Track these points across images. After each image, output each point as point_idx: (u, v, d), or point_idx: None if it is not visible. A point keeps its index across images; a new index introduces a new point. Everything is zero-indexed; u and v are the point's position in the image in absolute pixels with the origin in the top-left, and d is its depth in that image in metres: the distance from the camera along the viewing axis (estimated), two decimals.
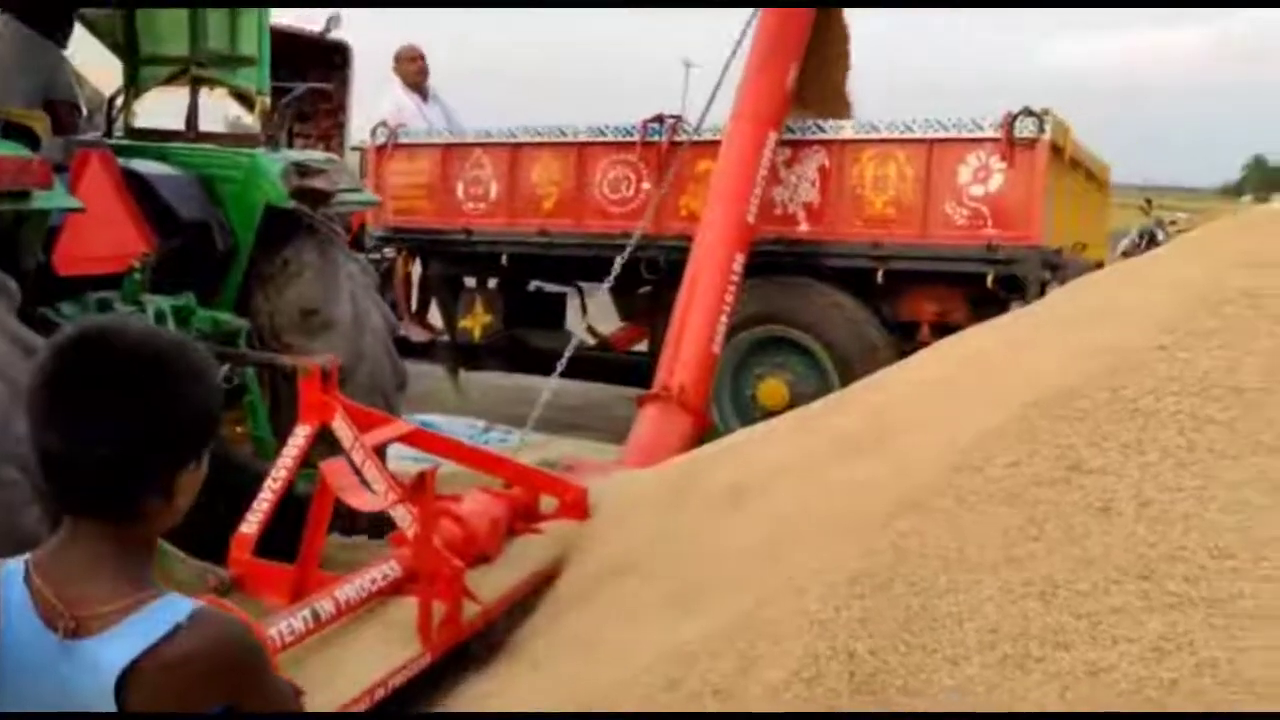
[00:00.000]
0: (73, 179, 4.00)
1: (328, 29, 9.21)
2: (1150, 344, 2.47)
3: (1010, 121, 5.40)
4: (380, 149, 7.15)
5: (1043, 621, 2.01)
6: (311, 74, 9.94)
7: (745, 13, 5.90)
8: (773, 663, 2.05)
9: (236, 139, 4.95)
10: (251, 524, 3.42)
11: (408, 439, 3.90)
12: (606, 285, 5.85)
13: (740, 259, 5.54)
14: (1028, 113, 5.39)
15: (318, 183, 4.54)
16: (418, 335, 7.81)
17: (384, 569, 3.27)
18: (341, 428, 3.56)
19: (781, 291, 5.95)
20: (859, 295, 5.82)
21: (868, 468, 2.65)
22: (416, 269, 7.61)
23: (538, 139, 6.59)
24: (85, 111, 5.11)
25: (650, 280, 6.32)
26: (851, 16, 6.45)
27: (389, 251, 7.53)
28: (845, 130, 5.85)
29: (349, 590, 3.13)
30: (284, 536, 3.38)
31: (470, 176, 6.81)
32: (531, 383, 8.33)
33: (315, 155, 4.88)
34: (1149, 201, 15.09)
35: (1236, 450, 2.25)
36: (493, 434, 8.04)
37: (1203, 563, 2.07)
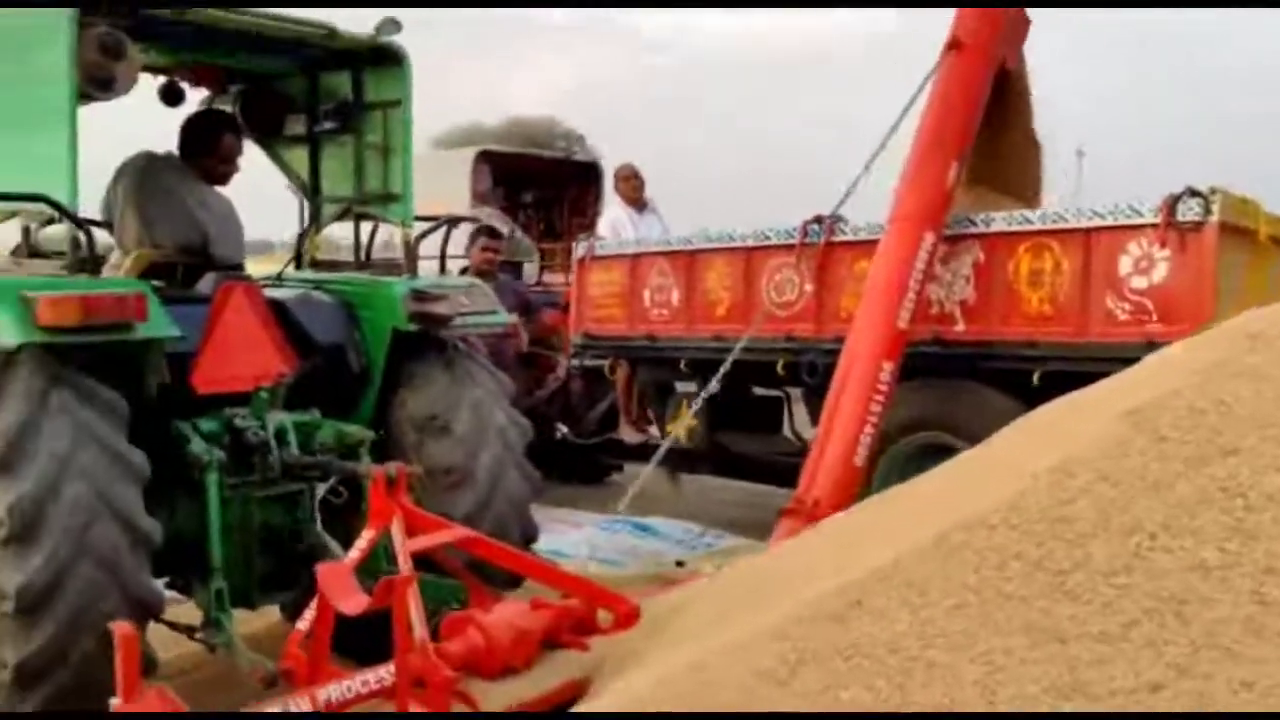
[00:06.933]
0: (215, 309, 4.61)
1: (569, 152, 10.06)
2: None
3: (1171, 204, 4.87)
4: (581, 262, 7.55)
5: None
6: (571, 192, 10.82)
7: None
8: None
9: (389, 267, 5.44)
10: (306, 621, 3.74)
11: (461, 544, 4.07)
12: (706, 392, 5.83)
13: (890, 367, 5.33)
14: (1191, 193, 4.84)
15: (437, 308, 4.87)
16: (631, 437, 8.07)
17: (380, 673, 3.44)
18: (395, 532, 3.82)
19: (939, 396, 5.64)
20: (1019, 398, 5.39)
21: None
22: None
23: (711, 245, 6.71)
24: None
25: (810, 384, 6.19)
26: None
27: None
28: (996, 223, 5.51)
29: (333, 691, 3.34)
30: (367, 634, 3.58)
31: (655, 284, 7.03)
32: (756, 489, 8.33)
33: (445, 281, 5.25)
34: None
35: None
36: (706, 538, 8.11)
37: None
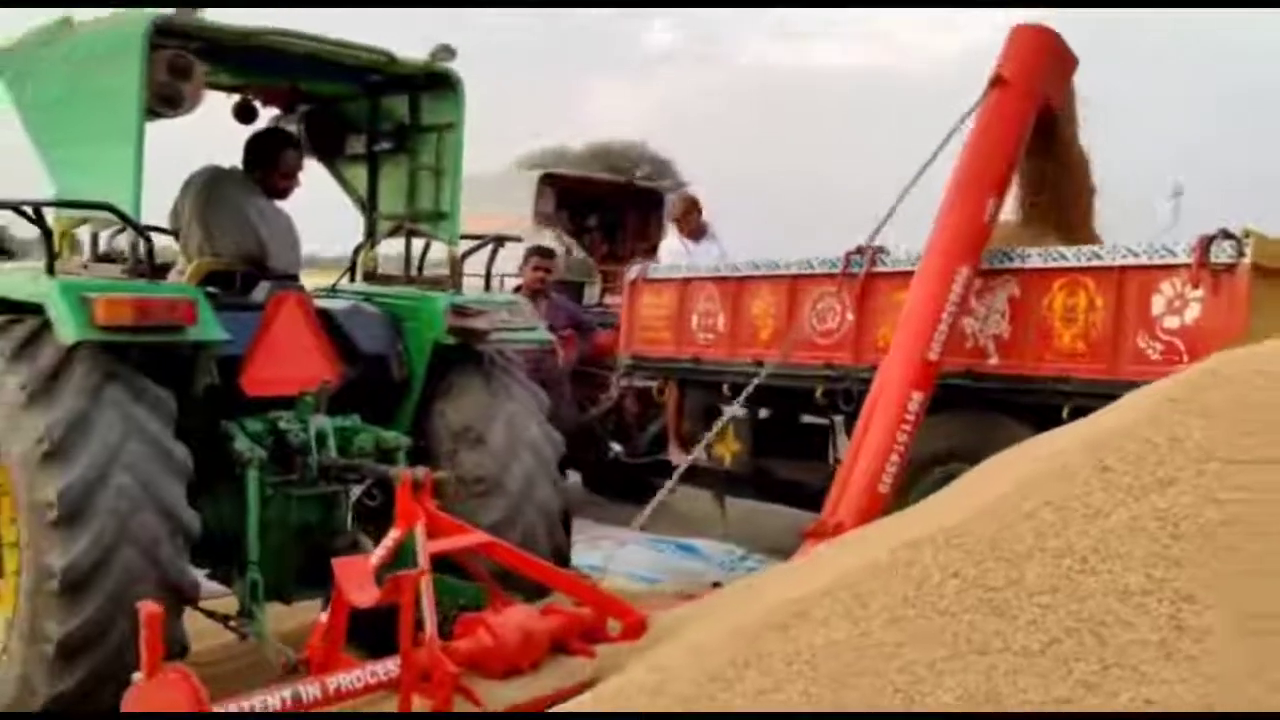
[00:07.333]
0: (266, 317, 4.85)
1: (631, 178, 10.27)
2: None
3: (1205, 245, 4.89)
4: (633, 284, 7.72)
5: None
6: (633, 217, 11.04)
7: None
8: None
9: (435, 282, 5.64)
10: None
11: (479, 548, 4.24)
12: (729, 414, 5.91)
13: (919, 397, 5.40)
14: (1225, 234, 4.85)
15: (476, 323, 5.06)
16: (679, 458, 8.17)
17: (388, 665, 3.61)
18: (418, 534, 4.00)
19: (970, 428, 5.68)
20: None
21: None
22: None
23: (757, 273, 6.83)
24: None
25: (847, 412, 6.27)
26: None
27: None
28: (1032, 259, 5.55)
29: (342, 679, 3.51)
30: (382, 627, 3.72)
31: (702, 309, 7.17)
32: (805, 515, 8.39)
33: (488, 297, 5.42)
34: None
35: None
36: (748, 561, 8.18)
37: None
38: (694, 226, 8.63)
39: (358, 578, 3.64)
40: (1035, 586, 2.04)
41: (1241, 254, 4.82)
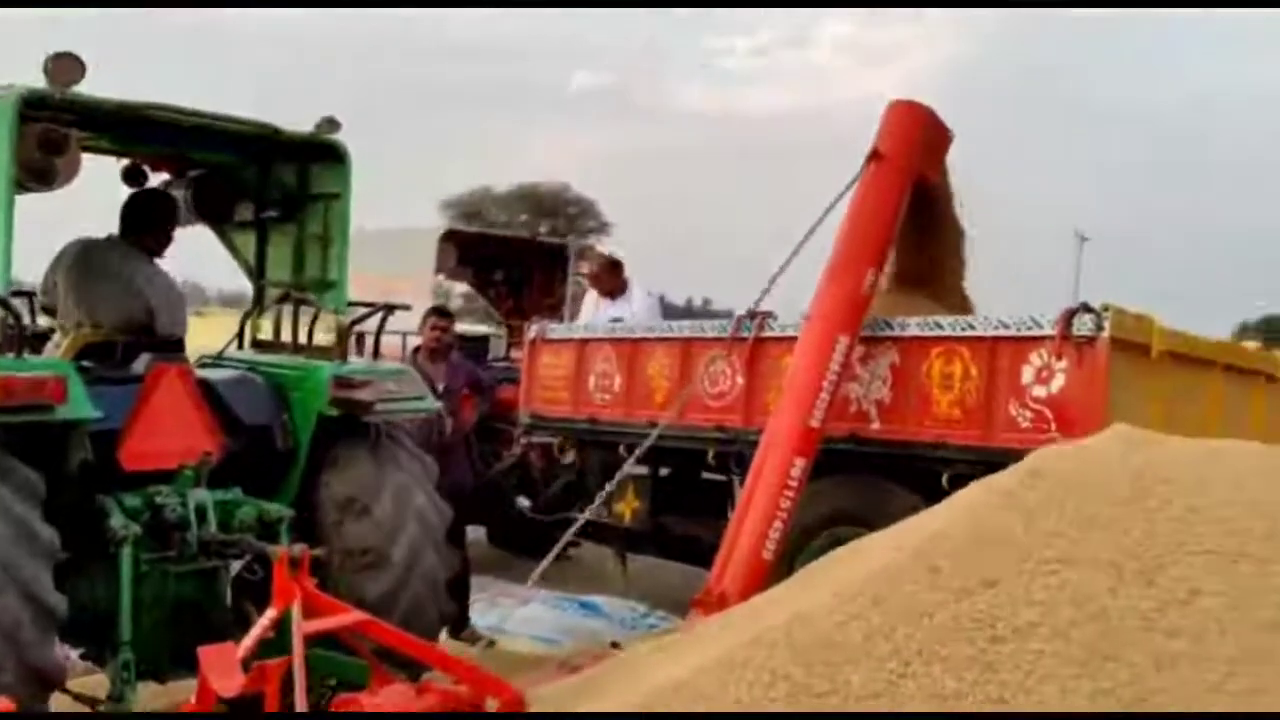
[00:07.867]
0: (145, 390, 4.78)
1: (534, 234, 10.33)
2: None
3: (1067, 318, 5.09)
4: (532, 343, 7.77)
5: None
6: (538, 272, 11.13)
7: None
8: None
9: (323, 351, 5.59)
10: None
11: (356, 627, 4.21)
12: (621, 475, 6.01)
13: (801, 463, 5.51)
14: (1085, 309, 5.06)
15: (360, 394, 5.03)
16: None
17: None
18: (295, 613, 3.97)
19: (855, 492, 5.81)
20: (930, 497, 5.54)
21: None
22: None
23: (652, 335, 6.93)
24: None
25: (738, 474, 6.35)
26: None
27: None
28: (911, 327, 5.72)
29: None
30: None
31: (599, 370, 7.23)
32: (703, 572, 8.44)
33: (376, 366, 5.39)
34: None
35: None
36: (650, 619, 8.22)
37: None
38: (612, 286, 8.68)
39: (222, 665, 3.60)
40: (860, 691, 2.11)
41: (1100, 328, 5.02)
